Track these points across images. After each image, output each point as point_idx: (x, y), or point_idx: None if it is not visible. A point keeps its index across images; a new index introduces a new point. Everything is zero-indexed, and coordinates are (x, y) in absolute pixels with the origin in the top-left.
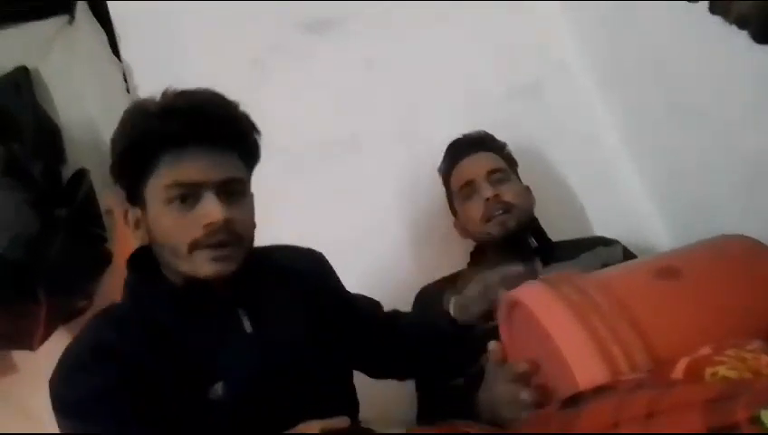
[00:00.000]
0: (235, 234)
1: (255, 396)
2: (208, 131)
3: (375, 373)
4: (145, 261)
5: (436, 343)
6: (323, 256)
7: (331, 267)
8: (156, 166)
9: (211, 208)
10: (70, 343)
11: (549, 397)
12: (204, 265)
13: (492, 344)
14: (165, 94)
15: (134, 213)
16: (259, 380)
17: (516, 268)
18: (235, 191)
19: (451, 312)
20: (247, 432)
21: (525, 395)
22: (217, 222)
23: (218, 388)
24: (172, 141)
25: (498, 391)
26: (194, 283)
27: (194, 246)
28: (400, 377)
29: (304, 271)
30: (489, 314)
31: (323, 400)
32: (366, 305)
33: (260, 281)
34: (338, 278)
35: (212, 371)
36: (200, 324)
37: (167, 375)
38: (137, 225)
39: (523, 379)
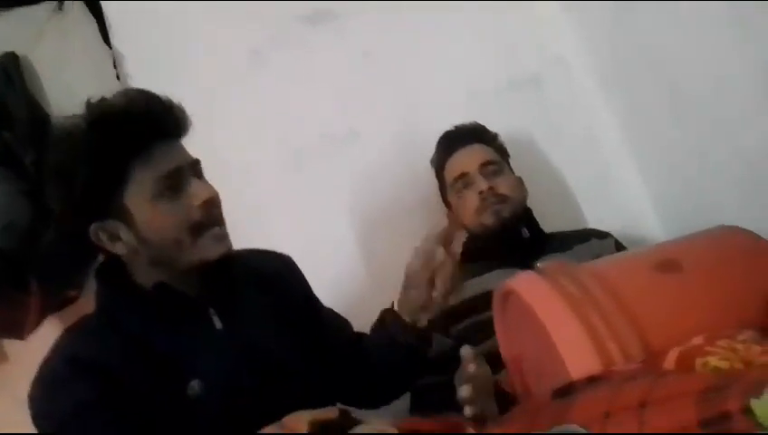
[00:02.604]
0: (221, 211)
1: (233, 390)
2: (169, 126)
3: (339, 395)
4: (113, 272)
5: (394, 367)
6: (291, 259)
7: (300, 272)
8: (130, 172)
9: (199, 188)
10: (44, 359)
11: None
12: (211, 247)
13: (464, 350)
14: (95, 105)
15: (109, 227)
16: (233, 374)
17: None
18: (201, 172)
19: (402, 315)
20: (230, 427)
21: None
22: (210, 197)
23: (195, 385)
24: (139, 144)
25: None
26: (164, 287)
27: (196, 230)
28: (356, 403)
29: (273, 273)
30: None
31: (300, 394)
32: (335, 320)
33: (230, 281)
34: (306, 282)
35: (187, 369)
36: (172, 326)
37: (144, 380)
38: (115, 238)
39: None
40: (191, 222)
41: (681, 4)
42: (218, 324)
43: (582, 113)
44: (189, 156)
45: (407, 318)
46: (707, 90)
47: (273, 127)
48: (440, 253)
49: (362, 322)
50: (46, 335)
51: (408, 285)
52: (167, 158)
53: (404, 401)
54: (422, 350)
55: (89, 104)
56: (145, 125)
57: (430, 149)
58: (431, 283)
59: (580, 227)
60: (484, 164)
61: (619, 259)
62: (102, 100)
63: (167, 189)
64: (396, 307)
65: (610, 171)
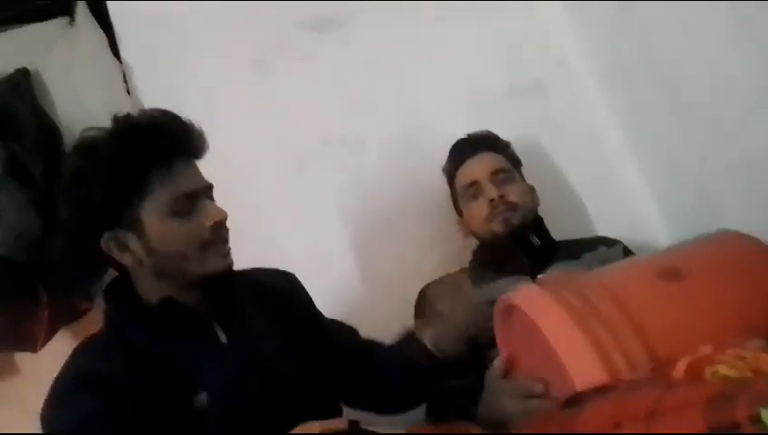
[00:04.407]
0: (228, 231)
1: (239, 402)
2: (190, 146)
3: (350, 402)
4: (120, 290)
5: (409, 383)
6: (296, 278)
7: (303, 288)
8: (149, 185)
9: (214, 210)
10: (55, 379)
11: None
12: (217, 262)
13: (496, 360)
14: (121, 119)
15: (121, 237)
16: (239, 386)
17: (496, 286)
18: (213, 196)
19: (428, 345)
20: None
21: (539, 405)
22: (222, 220)
23: (202, 397)
24: (161, 159)
25: (511, 404)
26: (170, 302)
27: (205, 247)
28: (372, 409)
29: (277, 290)
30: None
31: (305, 406)
32: (339, 330)
33: (234, 297)
34: (309, 298)
35: (193, 382)
36: (178, 341)
37: (152, 394)
38: (124, 248)
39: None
40: (201, 240)
41: (682, 4)
42: (223, 338)
43: (584, 115)
44: (205, 180)
45: (429, 346)
46: (709, 90)
47: (276, 133)
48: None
49: (363, 327)
50: (58, 349)
51: (448, 325)
52: (186, 178)
53: (417, 409)
54: (434, 374)
55: (115, 117)
56: (167, 141)
57: (433, 154)
58: (472, 336)
59: (582, 228)
60: (495, 172)
61: (622, 267)
62: (128, 115)
63: (182, 209)
64: (425, 333)
65: (613, 172)
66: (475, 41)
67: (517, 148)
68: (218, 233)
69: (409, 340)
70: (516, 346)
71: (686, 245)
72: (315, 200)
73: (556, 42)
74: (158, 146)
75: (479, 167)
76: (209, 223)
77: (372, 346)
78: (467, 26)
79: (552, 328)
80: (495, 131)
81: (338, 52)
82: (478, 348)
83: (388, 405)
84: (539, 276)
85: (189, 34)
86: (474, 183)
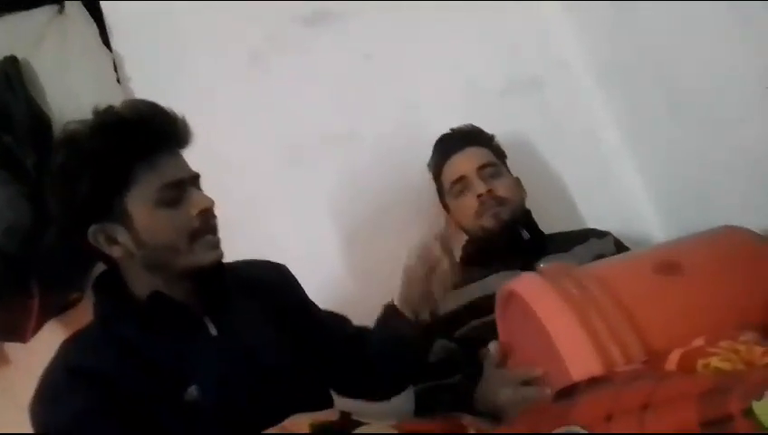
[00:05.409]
0: (216, 220)
1: (230, 395)
2: (174, 136)
3: (343, 390)
4: (110, 283)
5: (399, 363)
6: (287, 269)
7: (295, 279)
8: (134, 177)
9: (200, 198)
10: (44, 372)
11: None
12: (204, 254)
13: (492, 346)
14: (102, 112)
15: (108, 229)
16: (230, 379)
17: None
18: (200, 185)
19: (400, 308)
20: (229, 431)
21: (533, 393)
22: (209, 207)
23: (193, 390)
24: (145, 150)
25: (503, 393)
26: (159, 296)
27: (194, 237)
28: (364, 397)
29: (268, 282)
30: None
31: (297, 397)
32: (331, 320)
33: (223, 289)
34: (302, 291)
35: (184, 375)
36: (168, 334)
37: (143, 388)
38: (113, 241)
39: (531, 383)
40: (189, 229)
41: (681, 4)
42: (213, 331)
43: (582, 113)
44: (191, 170)
45: (408, 314)
46: (707, 90)
47: (272, 128)
48: (437, 250)
49: (357, 320)
50: (48, 339)
51: (407, 282)
52: (171, 168)
53: (408, 403)
54: (423, 345)
55: (96, 111)
56: (151, 132)
57: (428, 151)
58: (429, 280)
59: (579, 227)
60: (482, 167)
61: (621, 261)
62: (109, 107)
63: (169, 198)
64: (397, 304)
65: (610, 171)
66: (473, 38)
67: (515, 146)
68: (206, 221)
69: (389, 314)
70: (515, 337)
71: (686, 239)
72: (309, 195)
73: (555, 40)
74: (141, 138)
75: (466, 162)
76: (195, 211)
77: (364, 333)
78: (466, 23)
79: (550, 316)
80: (493, 129)
81: (334, 46)
82: (471, 346)
83: (380, 391)
84: (540, 266)
85: (184, 27)
86: (461, 178)
